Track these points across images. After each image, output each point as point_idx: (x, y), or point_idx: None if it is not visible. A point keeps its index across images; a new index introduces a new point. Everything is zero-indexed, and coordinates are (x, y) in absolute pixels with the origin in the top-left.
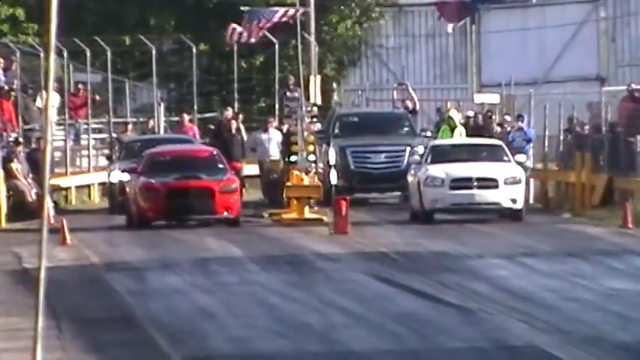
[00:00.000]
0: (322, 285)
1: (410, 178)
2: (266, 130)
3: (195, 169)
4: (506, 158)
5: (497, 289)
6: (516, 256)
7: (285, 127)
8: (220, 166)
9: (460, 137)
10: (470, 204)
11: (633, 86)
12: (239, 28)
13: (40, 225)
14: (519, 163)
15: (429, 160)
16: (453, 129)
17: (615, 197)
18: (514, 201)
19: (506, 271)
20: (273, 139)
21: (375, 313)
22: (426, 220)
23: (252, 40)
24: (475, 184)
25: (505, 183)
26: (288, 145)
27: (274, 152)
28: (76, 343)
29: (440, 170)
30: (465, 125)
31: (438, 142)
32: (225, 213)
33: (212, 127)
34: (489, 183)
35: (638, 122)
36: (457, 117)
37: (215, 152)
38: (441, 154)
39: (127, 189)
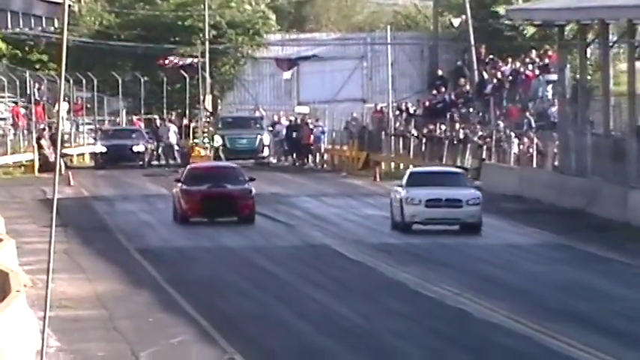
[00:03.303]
0: None
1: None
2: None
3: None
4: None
5: (306, 214)
6: (316, 196)
7: (185, 122)
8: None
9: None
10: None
11: (379, 105)
12: (171, 58)
13: (55, 174)
14: None
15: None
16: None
17: (370, 164)
18: None
19: (310, 204)
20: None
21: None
22: (404, 228)
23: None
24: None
25: None
26: (193, 133)
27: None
28: (75, 239)
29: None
30: (290, 123)
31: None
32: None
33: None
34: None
35: (382, 124)
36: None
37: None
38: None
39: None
